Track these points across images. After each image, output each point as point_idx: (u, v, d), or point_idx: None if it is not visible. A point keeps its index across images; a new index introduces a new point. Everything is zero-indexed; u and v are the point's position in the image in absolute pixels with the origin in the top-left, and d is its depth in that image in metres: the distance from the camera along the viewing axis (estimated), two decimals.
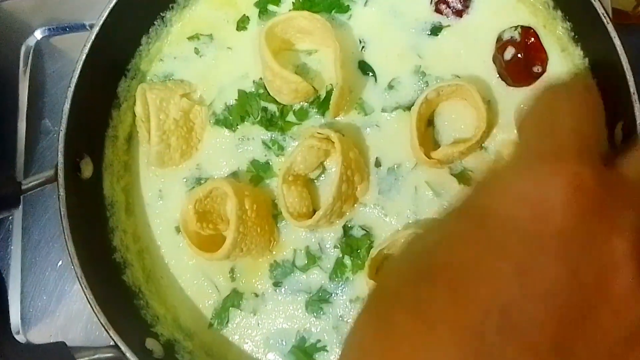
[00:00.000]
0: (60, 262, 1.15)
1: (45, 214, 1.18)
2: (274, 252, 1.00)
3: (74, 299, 1.13)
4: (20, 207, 1.14)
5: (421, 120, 0.96)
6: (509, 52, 0.97)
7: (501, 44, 0.98)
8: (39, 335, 1.12)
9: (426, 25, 1.03)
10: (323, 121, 1.02)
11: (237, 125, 1.04)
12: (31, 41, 1.25)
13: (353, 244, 0.98)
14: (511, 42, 0.97)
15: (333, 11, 1.05)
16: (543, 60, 0.98)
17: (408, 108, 1.00)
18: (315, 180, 1.01)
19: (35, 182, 0.94)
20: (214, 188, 0.95)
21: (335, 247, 0.99)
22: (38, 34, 1.25)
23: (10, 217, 1.18)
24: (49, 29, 1.25)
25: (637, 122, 0.84)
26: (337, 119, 1.02)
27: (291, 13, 1.02)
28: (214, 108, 1.06)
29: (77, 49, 0.98)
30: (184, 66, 1.08)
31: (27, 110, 1.22)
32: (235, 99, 1.05)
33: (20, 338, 1.12)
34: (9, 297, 1.14)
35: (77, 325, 1.13)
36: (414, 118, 0.94)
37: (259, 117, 1.04)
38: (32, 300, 1.14)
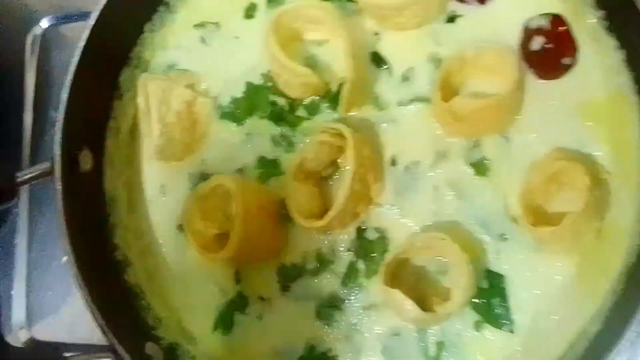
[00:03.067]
0: (65, 257, 1.11)
1: (52, 207, 1.10)
2: (281, 254, 0.96)
3: (79, 295, 1.09)
4: (27, 200, 1.15)
5: (447, 88, 0.91)
6: (537, 42, 0.91)
7: (528, 33, 0.93)
8: (44, 331, 1.11)
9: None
10: (335, 116, 0.98)
11: (245, 119, 1.00)
12: (37, 30, 1.24)
13: (367, 247, 0.93)
14: (540, 30, 0.92)
15: None
16: (573, 51, 0.92)
17: (425, 100, 0.95)
18: (328, 180, 0.96)
19: (30, 175, 0.92)
20: (218, 185, 0.91)
21: (348, 250, 0.94)
22: (44, 23, 1.24)
23: (15, 210, 1.16)
24: (56, 18, 1.24)
25: None
26: (350, 114, 0.97)
27: (300, 1, 0.98)
28: (220, 101, 1.02)
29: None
30: (189, 56, 1.04)
31: (33, 100, 1.21)
32: (243, 92, 1.01)
33: (24, 333, 1.10)
34: (13, 292, 1.13)
35: (83, 322, 1.04)
36: (445, 66, 0.90)
37: (267, 112, 0.99)
38: (38, 295, 1.13)
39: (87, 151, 0.96)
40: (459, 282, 0.84)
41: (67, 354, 0.90)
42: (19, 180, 0.90)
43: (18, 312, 1.11)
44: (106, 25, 0.95)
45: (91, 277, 0.89)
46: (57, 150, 0.91)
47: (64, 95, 0.92)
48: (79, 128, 0.94)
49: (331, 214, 0.87)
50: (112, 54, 1.01)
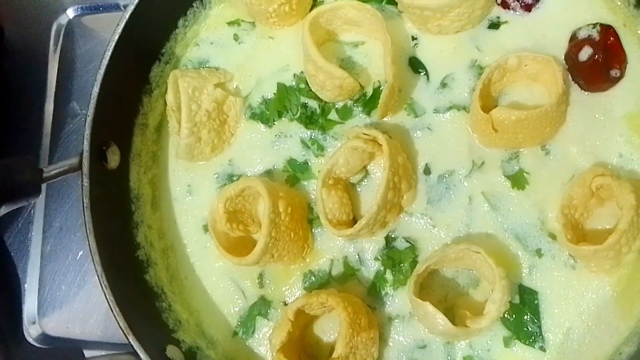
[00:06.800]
0: (81, 252, 1.11)
1: (69, 200, 1.14)
2: (307, 260, 0.93)
3: (93, 291, 1.09)
4: (43, 193, 1.11)
5: (486, 96, 0.88)
6: (586, 52, 0.88)
7: (576, 43, 0.89)
8: (55, 325, 1.09)
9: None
10: (368, 121, 0.95)
11: (275, 120, 0.97)
12: (63, 20, 1.21)
13: (395, 257, 0.90)
14: (588, 41, 0.88)
15: (384, 1, 0.97)
16: (622, 62, 0.88)
17: (463, 108, 0.92)
18: (357, 185, 0.93)
19: (57, 170, 0.89)
20: (247, 187, 0.88)
21: (375, 259, 0.91)
22: (70, 13, 1.22)
23: (31, 203, 1.14)
24: (82, 8, 1.22)
25: None
26: (384, 119, 0.94)
27: (339, 2, 0.94)
28: (250, 101, 0.99)
29: (109, 29, 0.92)
30: (221, 53, 1.01)
31: (55, 91, 1.19)
32: (274, 93, 0.98)
33: (35, 328, 1.08)
34: (26, 285, 1.11)
35: (95, 318, 1.09)
36: (486, 74, 0.87)
37: (298, 114, 0.97)
38: (50, 289, 1.11)
39: (114, 147, 0.94)
40: (493, 297, 0.80)
41: (88, 354, 0.87)
42: (45, 175, 0.87)
43: (30, 305, 1.10)
44: (141, 19, 0.92)
45: (114, 276, 0.86)
46: (85, 146, 0.87)
47: (95, 90, 0.89)
48: (108, 123, 0.91)
49: (362, 222, 0.84)
50: (144, 48, 0.98)
